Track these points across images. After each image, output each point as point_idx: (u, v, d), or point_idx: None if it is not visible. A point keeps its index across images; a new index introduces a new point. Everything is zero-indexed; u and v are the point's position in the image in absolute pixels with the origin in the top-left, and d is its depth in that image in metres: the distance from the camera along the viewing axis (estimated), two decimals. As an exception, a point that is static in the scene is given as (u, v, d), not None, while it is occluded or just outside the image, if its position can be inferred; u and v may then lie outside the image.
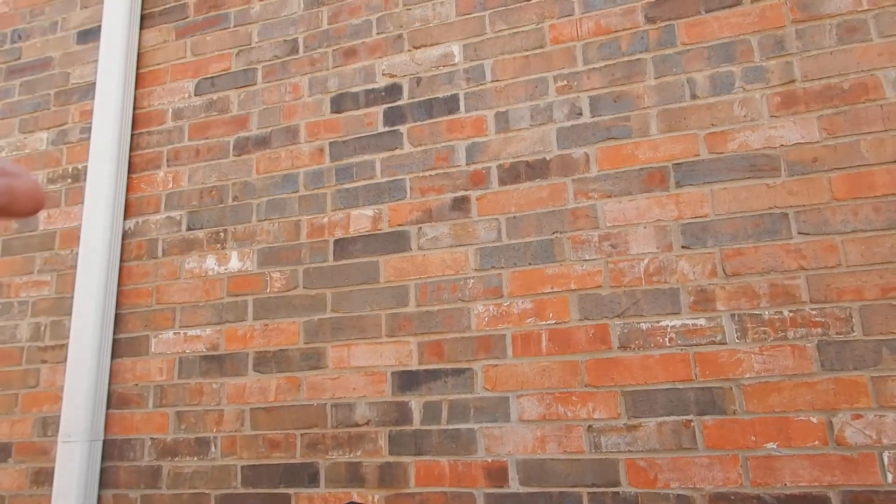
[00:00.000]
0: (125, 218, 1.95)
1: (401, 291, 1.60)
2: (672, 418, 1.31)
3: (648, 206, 1.45)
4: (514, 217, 1.54)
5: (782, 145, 1.39)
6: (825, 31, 1.43)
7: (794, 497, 1.20)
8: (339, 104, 1.81)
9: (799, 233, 1.34)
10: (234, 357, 1.72)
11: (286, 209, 1.78)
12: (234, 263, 1.79)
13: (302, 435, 1.61)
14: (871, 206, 1.31)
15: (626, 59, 1.56)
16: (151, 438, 1.74)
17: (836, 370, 1.23)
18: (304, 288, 1.70)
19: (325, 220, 1.73)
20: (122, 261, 1.92)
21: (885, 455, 1.17)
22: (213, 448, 1.68)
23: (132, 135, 2.02)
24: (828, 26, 1.43)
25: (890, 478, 1.15)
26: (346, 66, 1.83)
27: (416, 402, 1.52)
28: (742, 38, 1.48)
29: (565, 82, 1.59)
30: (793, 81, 1.42)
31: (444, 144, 1.66)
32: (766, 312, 1.31)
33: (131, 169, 1.99)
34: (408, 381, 1.54)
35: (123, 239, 1.94)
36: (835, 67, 1.40)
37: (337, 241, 1.70)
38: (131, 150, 2.01)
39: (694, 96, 1.48)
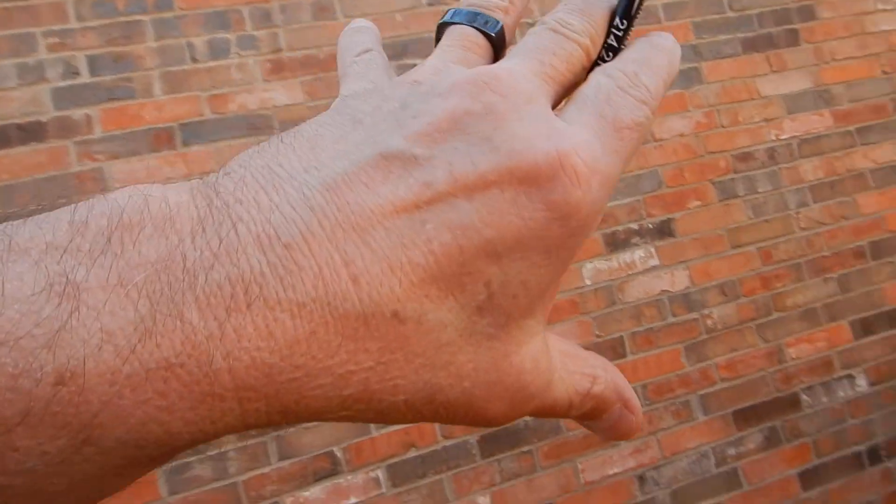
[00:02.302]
0: None
1: None
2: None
3: (158, 165, 1.62)
4: (9, 185, 1.53)
5: (274, 106, 1.73)
6: (303, 8, 1.81)
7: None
8: None
9: (292, 181, 1.70)
10: None
11: None
12: None
13: None
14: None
15: (123, 19, 1.67)
16: None
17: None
18: None
19: None
20: None
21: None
22: None
23: None
24: (305, 4, 1.81)
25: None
26: None
27: None
28: (235, 7, 1.75)
29: (57, 39, 1.62)
30: (280, 50, 1.77)
31: None
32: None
33: None
34: None
35: None
36: (312, 40, 1.79)
37: None
38: None
39: (195, 59, 1.70)
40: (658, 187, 1.90)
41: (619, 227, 1.84)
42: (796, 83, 2.04)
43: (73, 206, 0.16)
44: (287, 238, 0.16)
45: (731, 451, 1.80)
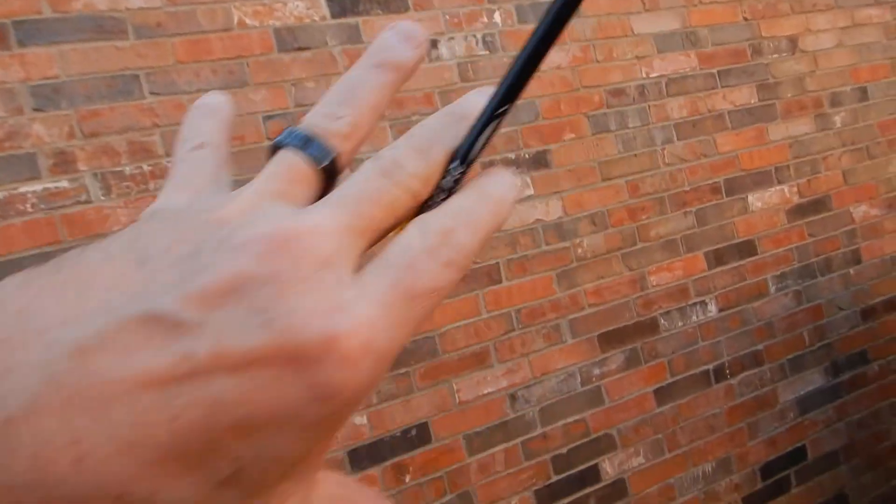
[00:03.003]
0: None
1: None
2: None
3: (-11, 66, 1.45)
4: None
5: (128, 8, 1.58)
6: None
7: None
8: None
9: (150, 93, 1.58)
10: None
11: None
12: None
13: None
14: (209, 68, 1.64)
15: None
16: None
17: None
18: None
19: None
20: None
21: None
22: None
23: None
24: None
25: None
26: None
27: None
28: None
29: None
30: (134, -54, 1.61)
31: None
32: (128, 168, 1.53)
33: None
34: None
35: None
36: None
37: None
38: None
39: (30, -52, 1.51)
40: (535, 119, 1.96)
41: (497, 157, 1.89)
42: (667, 23, 2.15)
43: None
44: (10, 411, 0.15)
45: (596, 371, 1.94)
